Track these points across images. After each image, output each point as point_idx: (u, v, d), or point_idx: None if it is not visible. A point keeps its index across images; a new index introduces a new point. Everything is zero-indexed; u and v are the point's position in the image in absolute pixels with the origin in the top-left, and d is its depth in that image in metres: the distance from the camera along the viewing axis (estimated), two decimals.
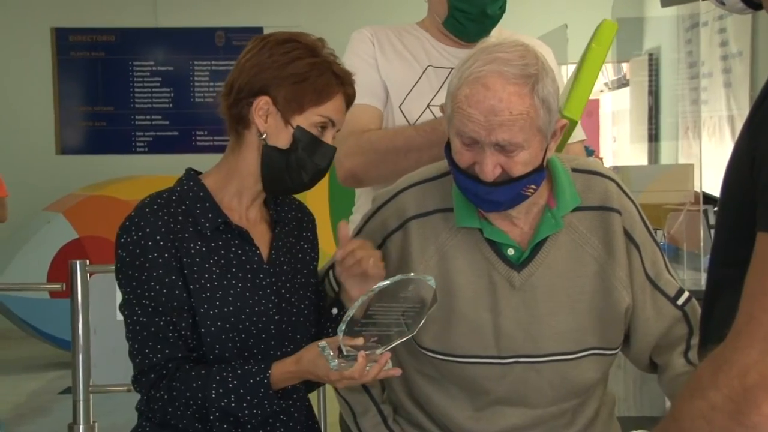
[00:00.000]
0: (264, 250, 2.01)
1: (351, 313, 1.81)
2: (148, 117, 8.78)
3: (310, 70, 1.93)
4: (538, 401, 2.00)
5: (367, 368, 1.83)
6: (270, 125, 1.95)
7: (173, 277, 1.90)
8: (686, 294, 2.05)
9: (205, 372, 1.89)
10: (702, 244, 3.26)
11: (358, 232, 2.10)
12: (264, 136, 1.95)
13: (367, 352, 1.83)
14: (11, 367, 7.28)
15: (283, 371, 1.89)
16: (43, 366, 7.12)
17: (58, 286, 4.34)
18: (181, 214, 1.95)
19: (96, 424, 3.86)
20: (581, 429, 2.07)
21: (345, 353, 1.82)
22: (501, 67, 1.83)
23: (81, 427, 3.83)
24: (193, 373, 1.89)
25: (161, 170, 7.81)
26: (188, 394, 1.88)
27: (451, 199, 1.99)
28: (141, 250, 1.90)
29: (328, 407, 3.80)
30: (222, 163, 2.03)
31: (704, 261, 3.23)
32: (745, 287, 1.19)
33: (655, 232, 3.76)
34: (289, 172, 1.97)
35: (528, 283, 1.95)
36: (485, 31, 2.57)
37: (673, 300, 2.03)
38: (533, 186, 1.89)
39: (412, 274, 1.88)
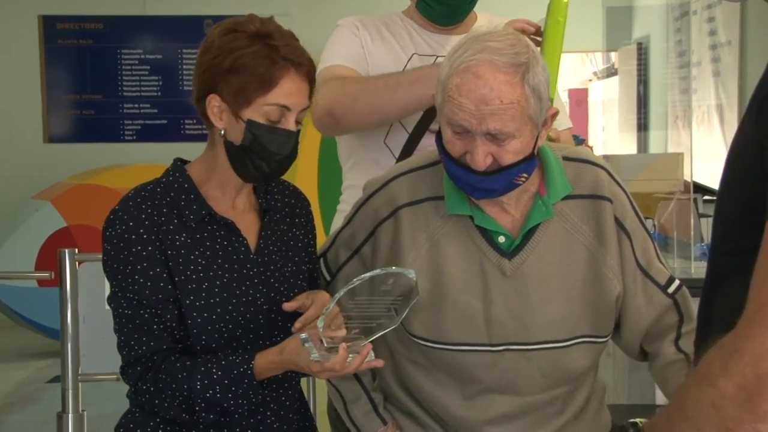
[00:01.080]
0: (252, 240, 2.00)
1: (330, 306, 1.82)
2: (136, 105, 8.74)
3: (250, 60, 1.89)
4: (529, 389, 2.01)
5: (349, 359, 1.83)
6: (225, 121, 1.93)
7: (158, 270, 1.90)
8: (677, 282, 2.06)
9: (190, 363, 1.89)
10: (692, 232, 3.27)
11: (349, 221, 2.10)
12: (223, 133, 1.94)
13: (348, 344, 1.83)
14: None
15: (267, 361, 1.89)
16: (31, 355, 7.10)
17: (47, 274, 4.34)
18: (166, 206, 1.94)
19: (85, 412, 3.86)
20: (572, 417, 2.07)
21: (326, 345, 1.82)
22: (491, 56, 1.83)
23: (70, 415, 3.82)
24: (178, 365, 1.89)
25: (150, 159, 7.79)
26: (174, 385, 1.88)
27: (442, 187, 1.99)
28: (125, 243, 1.90)
29: (317, 396, 3.80)
30: (203, 157, 2.02)
31: (694, 249, 3.24)
32: (754, 276, 1.19)
33: (645, 221, 3.76)
34: (252, 163, 1.94)
35: (519, 271, 1.95)
36: (455, 15, 2.59)
37: (664, 288, 2.04)
38: (525, 174, 1.90)
39: (393, 267, 1.88)
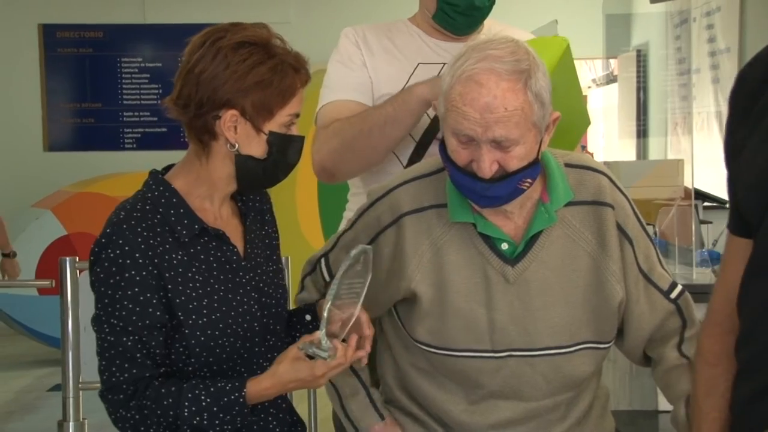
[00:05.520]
0: (239, 245, 2.00)
1: (326, 315, 1.85)
2: (136, 113, 8.76)
3: (272, 75, 1.90)
4: (532, 394, 2.01)
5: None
6: (240, 135, 1.92)
7: (148, 295, 1.88)
8: (679, 287, 2.06)
9: (175, 389, 1.88)
10: (693, 239, 3.27)
11: (352, 225, 2.10)
12: (236, 147, 1.93)
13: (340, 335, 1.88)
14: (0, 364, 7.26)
15: (260, 389, 1.89)
16: (31, 363, 7.10)
17: (48, 282, 4.33)
18: (159, 224, 1.92)
19: (86, 421, 3.85)
20: (575, 423, 2.08)
21: (325, 345, 1.85)
22: (493, 64, 1.84)
23: (71, 424, 3.82)
24: (163, 391, 1.88)
25: (149, 167, 7.70)
26: (159, 412, 1.87)
27: (445, 195, 1.99)
28: (117, 268, 1.88)
29: (318, 402, 3.80)
30: (188, 168, 1.99)
31: (696, 255, 3.24)
32: None
33: (647, 227, 3.74)
34: (266, 175, 1.97)
35: (522, 278, 1.96)
36: (475, 24, 2.57)
37: (667, 293, 2.04)
38: (529, 180, 1.90)
39: (356, 248, 1.90)
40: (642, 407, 2.84)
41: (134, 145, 8.75)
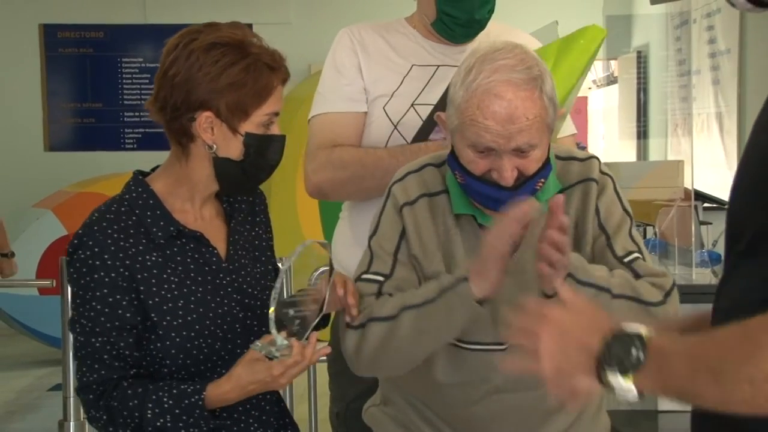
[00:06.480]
0: (221, 247, 2.00)
1: (272, 316, 1.84)
2: (136, 114, 8.76)
3: (245, 75, 1.90)
4: (534, 382, 2.02)
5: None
6: (217, 136, 1.93)
7: (118, 297, 1.88)
8: (634, 255, 2.00)
9: (141, 391, 1.89)
10: (693, 239, 3.28)
11: (380, 219, 2.08)
12: (214, 149, 1.93)
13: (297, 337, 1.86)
14: (0, 364, 7.26)
15: (220, 392, 1.88)
16: (32, 363, 7.10)
17: (48, 282, 4.35)
18: (132, 226, 1.92)
19: (86, 420, 3.86)
20: (576, 419, 2.10)
21: (279, 344, 1.84)
22: (509, 75, 1.86)
23: (71, 423, 3.83)
24: (129, 392, 1.89)
25: (150, 167, 7.78)
26: (125, 413, 1.89)
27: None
28: (87, 269, 1.89)
29: (318, 402, 3.81)
30: (169, 170, 2.00)
31: (695, 256, 3.25)
32: None
33: (646, 229, 3.74)
34: (246, 177, 1.96)
35: (519, 267, 1.98)
36: (473, 35, 2.59)
37: (621, 258, 1.98)
38: (543, 179, 1.94)
39: (305, 241, 1.90)
40: (641, 407, 2.85)
41: (135, 145, 8.75)
